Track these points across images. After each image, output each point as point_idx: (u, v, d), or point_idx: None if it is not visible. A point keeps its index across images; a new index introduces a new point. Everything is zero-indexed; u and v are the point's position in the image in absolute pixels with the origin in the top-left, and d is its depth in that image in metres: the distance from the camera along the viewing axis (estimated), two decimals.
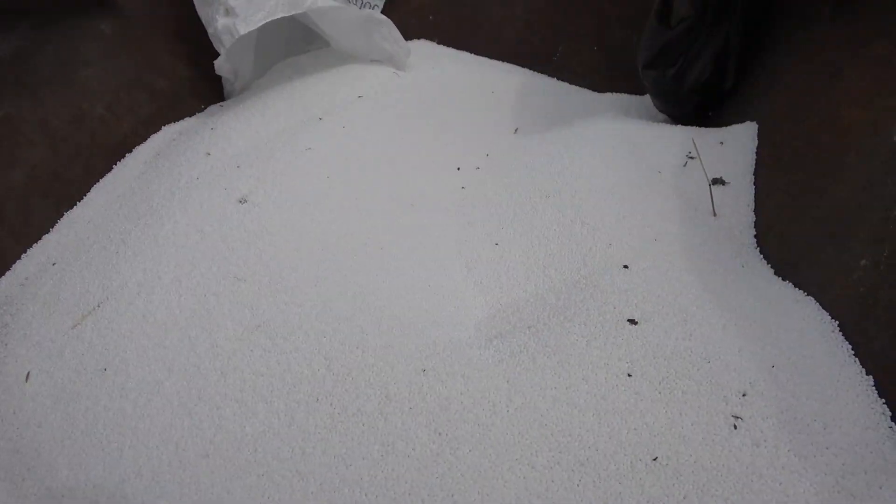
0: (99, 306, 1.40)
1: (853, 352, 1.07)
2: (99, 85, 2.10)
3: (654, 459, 0.92)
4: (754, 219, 1.55)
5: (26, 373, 1.26)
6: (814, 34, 1.71)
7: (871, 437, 0.92)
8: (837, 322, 1.13)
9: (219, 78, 2.49)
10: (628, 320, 1.20)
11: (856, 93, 1.36)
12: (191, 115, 2.44)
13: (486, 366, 1.14)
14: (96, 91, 2.08)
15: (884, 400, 0.97)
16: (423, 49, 2.89)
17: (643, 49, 2.10)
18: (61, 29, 2.03)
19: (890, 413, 0.95)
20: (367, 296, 1.39)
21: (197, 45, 2.58)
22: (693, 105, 2.07)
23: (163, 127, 2.27)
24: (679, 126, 1.94)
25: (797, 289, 1.28)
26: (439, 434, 1.01)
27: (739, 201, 1.60)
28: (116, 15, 2.27)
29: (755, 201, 1.58)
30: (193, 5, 2.38)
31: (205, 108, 2.48)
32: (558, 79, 2.80)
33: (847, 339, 1.09)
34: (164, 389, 1.17)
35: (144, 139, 2.21)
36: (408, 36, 2.95)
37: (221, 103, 2.48)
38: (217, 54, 2.26)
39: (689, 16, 1.95)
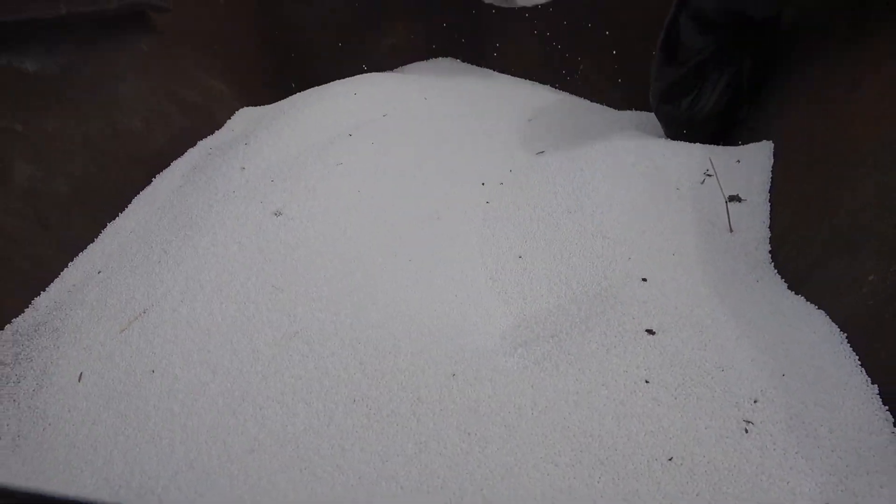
0: (144, 312, 1.48)
1: (860, 362, 1.13)
2: (136, 99, 2.20)
3: (670, 460, 0.98)
4: (769, 235, 1.61)
5: (79, 374, 1.34)
6: (830, 53, 1.77)
7: (874, 441, 0.97)
8: (846, 334, 1.19)
9: (249, 90, 2.62)
10: (646, 330, 1.26)
11: (869, 109, 1.42)
12: (220, 126, 2.54)
13: (512, 372, 1.21)
14: (134, 105, 2.18)
15: (888, 407, 1.03)
16: (449, 66, 2.98)
17: (655, 81, 2.18)
18: (102, 46, 2.13)
19: (893, 419, 1.01)
20: (397, 305, 1.46)
21: (226, 59, 2.69)
22: (708, 135, 2.13)
23: (198, 142, 2.37)
24: (697, 144, 2.00)
25: (808, 302, 1.34)
26: (469, 434, 1.08)
27: (755, 218, 1.66)
28: (153, 32, 2.38)
29: (770, 217, 1.64)
30: (222, 22, 2.51)
31: (235, 122, 2.58)
32: (579, 95, 2.88)
33: (855, 350, 1.15)
34: (210, 391, 1.25)
35: (179, 151, 2.30)
36: (434, 54, 3.05)
37: (251, 112, 2.58)
38: None
39: (701, 50, 2.03)
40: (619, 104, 2.75)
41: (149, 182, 2.13)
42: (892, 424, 1.00)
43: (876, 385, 1.07)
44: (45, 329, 1.50)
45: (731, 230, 1.64)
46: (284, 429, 1.14)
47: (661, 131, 2.32)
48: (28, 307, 1.61)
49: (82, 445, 1.18)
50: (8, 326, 1.54)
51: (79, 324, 1.48)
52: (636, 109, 2.67)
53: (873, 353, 1.11)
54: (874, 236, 1.21)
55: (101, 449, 1.16)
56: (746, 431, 1.02)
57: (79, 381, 1.33)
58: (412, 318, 1.42)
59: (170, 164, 2.23)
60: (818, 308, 1.30)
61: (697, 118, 2.09)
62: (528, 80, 2.95)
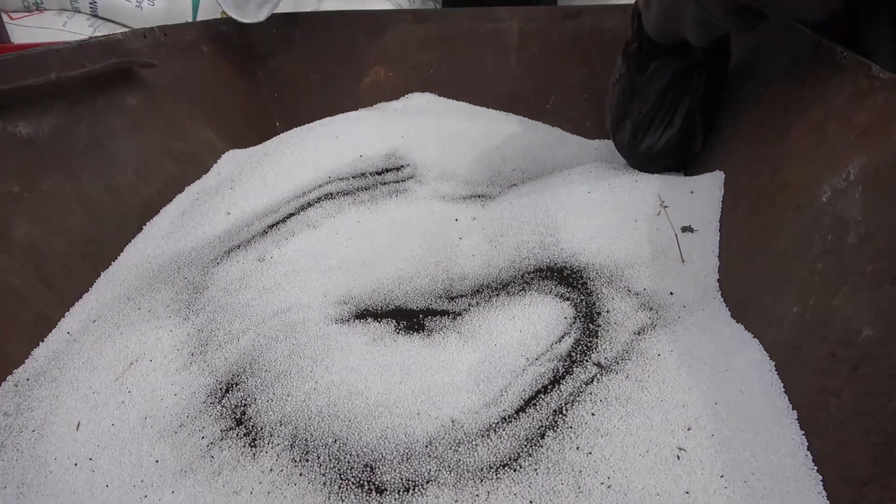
0: (137, 361, 1.59)
1: (784, 389, 1.23)
2: (128, 154, 2.32)
3: (609, 487, 1.09)
4: (718, 264, 1.71)
5: (77, 423, 1.44)
6: (769, 94, 1.89)
7: (789, 463, 1.08)
8: (774, 363, 1.30)
9: (235, 132, 2.76)
10: (594, 364, 1.37)
11: (796, 154, 1.53)
12: (207, 171, 2.66)
13: (472, 408, 1.32)
14: (125, 160, 2.30)
15: (804, 432, 1.13)
16: (425, 101, 3.10)
17: (610, 116, 2.29)
18: (93, 105, 2.25)
19: (807, 443, 1.12)
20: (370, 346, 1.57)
21: (213, 106, 2.82)
22: (664, 167, 2.24)
23: (185, 188, 2.49)
24: (655, 175, 2.12)
25: (746, 330, 1.45)
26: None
27: (706, 248, 1.77)
28: (140, 87, 2.50)
29: (719, 247, 1.75)
30: (207, 69, 2.65)
31: (221, 165, 2.69)
32: (551, 125, 3.00)
33: (781, 377, 1.26)
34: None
35: (169, 198, 2.42)
36: (410, 89, 3.17)
37: (237, 154, 2.70)
38: None
39: (650, 84, 2.14)
40: (589, 133, 2.88)
41: (140, 230, 2.24)
42: (805, 448, 1.11)
43: (795, 411, 1.18)
44: (45, 379, 1.60)
45: (683, 260, 1.75)
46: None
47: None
48: (28, 358, 1.70)
49: (81, 492, 1.28)
50: (10, 377, 1.63)
51: (76, 373, 1.58)
52: (604, 138, 2.79)
53: (793, 380, 1.22)
54: (796, 273, 1.32)
55: (98, 495, 1.26)
56: (678, 458, 1.12)
57: (77, 429, 1.43)
58: (384, 357, 1.52)
59: (160, 211, 2.34)
60: (754, 337, 1.41)
61: (653, 152, 2.20)
62: (501, 112, 3.07)
